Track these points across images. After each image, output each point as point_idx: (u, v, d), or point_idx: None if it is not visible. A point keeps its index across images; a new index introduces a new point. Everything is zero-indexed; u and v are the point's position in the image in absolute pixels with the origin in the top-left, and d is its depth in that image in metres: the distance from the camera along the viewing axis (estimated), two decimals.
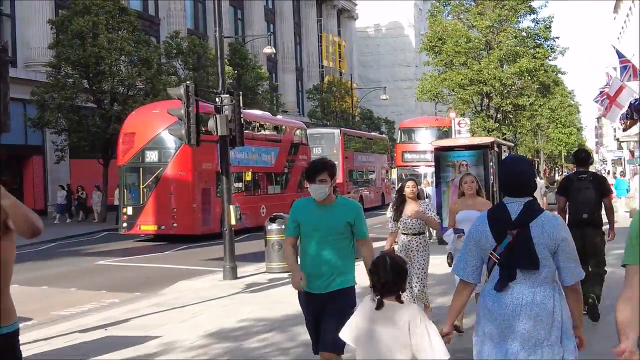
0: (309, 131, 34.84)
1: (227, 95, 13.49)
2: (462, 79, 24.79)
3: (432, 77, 26.77)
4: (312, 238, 5.33)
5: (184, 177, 22.61)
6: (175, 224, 22.58)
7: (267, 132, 29.04)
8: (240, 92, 14.03)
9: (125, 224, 23.16)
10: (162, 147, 22.89)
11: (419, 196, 8.86)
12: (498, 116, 26.75)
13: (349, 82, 60.21)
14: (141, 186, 23.13)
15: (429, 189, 20.44)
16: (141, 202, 22.95)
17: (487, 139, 19.47)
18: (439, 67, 26.53)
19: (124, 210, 23.27)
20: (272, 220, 14.64)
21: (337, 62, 72.02)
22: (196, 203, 22.96)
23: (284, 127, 30.69)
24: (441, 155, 19.20)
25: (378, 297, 3.87)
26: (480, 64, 24.98)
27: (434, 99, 26.21)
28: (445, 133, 27.91)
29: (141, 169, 23.15)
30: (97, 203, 31.47)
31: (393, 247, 8.56)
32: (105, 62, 28.93)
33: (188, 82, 13.20)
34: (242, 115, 13.96)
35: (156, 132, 22.80)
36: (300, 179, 29.70)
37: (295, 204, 5.60)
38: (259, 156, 27.30)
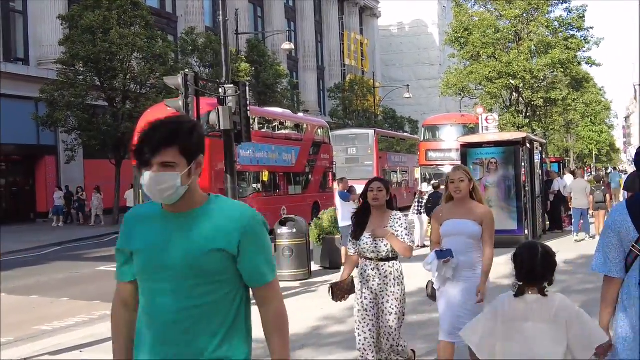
0: (342, 132, 34.17)
1: (231, 86, 12.24)
2: (490, 72, 23.25)
3: (457, 70, 25.25)
4: (154, 286, 2.69)
5: (200, 177, 21.11)
6: None
7: (287, 130, 28.23)
8: (247, 83, 12.75)
9: None
10: None
11: (389, 204, 6.04)
12: (528, 111, 25.20)
13: (371, 80, 58.79)
14: None
15: None
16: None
17: (518, 134, 18.01)
18: (465, 61, 25.01)
19: None
20: (283, 223, 13.36)
21: (359, 60, 70.60)
22: None
23: (305, 126, 29.77)
24: (468, 153, 17.78)
25: (519, 285, 3.61)
26: (509, 55, 23.43)
27: (459, 94, 24.68)
28: (471, 130, 26.31)
29: None
30: (96, 206, 30.16)
31: (352, 278, 6.10)
32: (116, 58, 27.84)
33: (187, 70, 11.87)
34: (248, 109, 12.68)
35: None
36: (323, 179, 29.14)
37: (127, 216, 2.89)
38: (279, 155, 26.52)
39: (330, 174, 30.06)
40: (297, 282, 12.97)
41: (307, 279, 13.21)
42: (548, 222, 21.15)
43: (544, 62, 22.56)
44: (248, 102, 12.68)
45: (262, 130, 25.52)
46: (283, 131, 27.81)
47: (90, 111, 29.31)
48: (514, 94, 25.19)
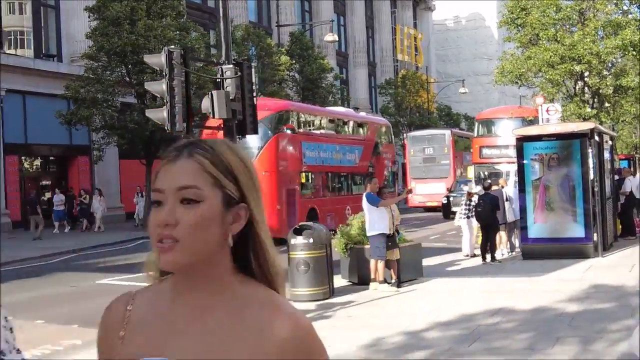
0: (419, 133, 35.01)
1: (230, 66, 10.06)
2: (550, 56, 20.46)
3: (513, 55, 22.51)
4: None
5: (267, 177, 21.12)
6: None
7: (350, 129, 28.19)
8: (252, 64, 10.56)
9: None
10: (246, 146, 21.53)
11: None
12: (595, 101, 22.31)
13: (424, 75, 56.10)
14: None
15: (509, 190, 16.44)
16: None
17: (585, 125, 15.35)
18: (522, 46, 22.24)
19: None
20: (297, 231, 11.12)
21: (412, 55, 67.85)
22: (281, 204, 21.64)
23: (367, 125, 29.55)
24: (524, 147, 15.25)
25: None
26: (573, 37, 20.62)
27: (516, 82, 21.91)
28: (530, 123, 23.70)
29: None
30: (97, 209, 28.02)
31: None
32: (144, 51, 26.01)
33: (172, 47, 9.73)
34: (254, 95, 10.48)
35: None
36: (387, 178, 29.15)
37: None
38: (343, 155, 26.41)
39: (394, 173, 30.91)
40: (314, 302, 10.74)
41: (327, 299, 10.95)
42: (620, 227, 18.44)
43: (613, 44, 19.62)
44: (255, 87, 10.51)
45: (325, 130, 26.00)
46: (347, 130, 27.83)
47: (118, 108, 27.64)
48: (578, 81, 22.33)
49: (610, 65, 21.65)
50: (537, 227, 15.18)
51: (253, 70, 10.45)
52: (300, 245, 10.89)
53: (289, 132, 22.94)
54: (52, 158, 33.61)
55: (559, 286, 11.31)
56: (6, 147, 29.16)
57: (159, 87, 9.43)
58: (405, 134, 37.09)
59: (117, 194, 33.59)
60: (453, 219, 15.89)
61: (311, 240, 10.86)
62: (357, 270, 12.58)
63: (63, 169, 33.48)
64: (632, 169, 26.07)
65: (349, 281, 12.76)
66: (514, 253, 16.40)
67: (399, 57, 65.45)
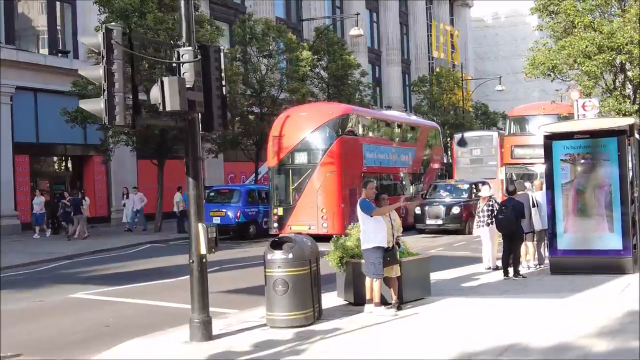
0: (466, 134, 35.95)
1: (189, 49, 8.46)
2: (587, 46, 18.42)
3: (545, 46, 20.48)
4: None
5: (332, 177, 22.96)
6: (325, 224, 22.50)
7: (404, 132, 29.74)
8: (221, 48, 8.93)
9: (275, 224, 23.41)
10: (311, 148, 23.42)
11: None
12: (637, 96, 20.18)
13: (459, 73, 53.93)
14: (291, 187, 23.56)
15: (537, 195, 14.55)
16: (291, 203, 23.33)
17: (624, 120, 13.38)
18: (555, 35, 20.20)
19: (275, 210, 23.59)
20: (276, 245, 9.48)
21: (448, 53, 65.67)
22: (345, 203, 22.76)
23: (419, 128, 31.34)
24: (554, 146, 13.39)
25: None
26: (612, 24, 18.57)
27: (548, 74, 19.89)
28: (565, 120, 21.78)
29: (291, 170, 23.67)
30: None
31: None
32: (152, 45, 24.63)
33: (114, 24, 8.12)
34: (223, 84, 8.87)
35: (304, 134, 23.53)
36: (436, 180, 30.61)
37: None
38: (398, 156, 27.90)
39: (442, 175, 32.91)
40: (293, 329, 9.10)
41: (310, 325, 9.29)
42: None
43: None
44: (224, 75, 8.87)
45: (382, 132, 27.43)
46: (401, 133, 29.31)
47: None
48: (618, 74, 20.21)
49: None
50: (568, 237, 13.29)
51: (223, 54, 8.85)
52: (278, 262, 9.24)
53: (351, 135, 24.48)
54: (65, 158, 32.52)
55: (588, 312, 9.48)
56: (16, 147, 28.14)
57: (95, 72, 7.90)
58: (452, 135, 36.51)
59: None
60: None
61: (290, 256, 9.21)
62: (353, 288, 10.89)
63: (78, 170, 32.37)
64: None
65: (345, 300, 11.09)
66: (542, 266, 14.53)
67: (434, 55, 63.38)
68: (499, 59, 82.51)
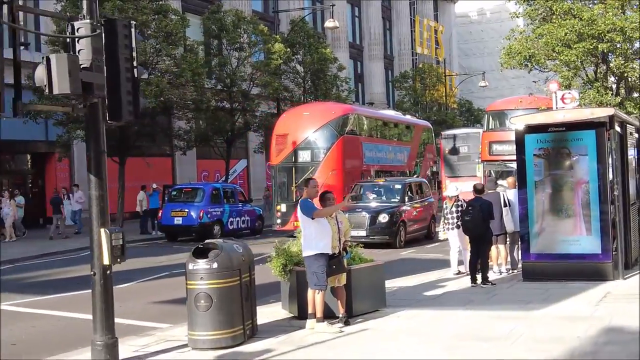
0: (455, 131, 36.08)
1: (87, 22, 7.18)
2: (566, 34, 17.20)
3: (522, 34, 19.26)
4: None
5: (334, 175, 23.31)
6: None
7: (400, 131, 30.57)
8: (133, 22, 7.66)
9: (279, 221, 23.64)
10: (314, 147, 23.74)
11: None
12: (620, 87, 19.00)
13: (441, 68, 52.79)
14: (293, 184, 23.62)
15: (509, 193, 13.34)
16: (294, 200, 23.02)
17: (602, 111, 12.15)
18: (534, 23, 18.97)
19: (278, 207, 23.83)
20: (198, 253, 8.21)
21: (432, 49, 64.46)
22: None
23: (414, 127, 32.25)
24: (527, 140, 12.19)
25: None
26: (592, 10, 17.36)
27: (524, 65, 18.71)
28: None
29: (293, 168, 23.78)
30: (7, 215, 24.16)
31: None
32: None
33: None
34: (135, 65, 7.58)
35: (307, 133, 23.84)
36: (429, 177, 31.68)
37: None
38: (395, 155, 28.74)
39: (434, 172, 33.80)
40: (217, 351, 7.84)
41: (238, 345, 8.02)
42: None
43: None
44: (135, 56, 7.60)
45: (380, 131, 28.05)
46: (397, 132, 30.22)
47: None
48: (600, 63, 19.01)
49: (638, 44, 18.35)
50: (542, 239, 12.09)
51: (133, 31, 7.59)
52: (200, 272, 7.97)
53: (352, 134, 24.94)
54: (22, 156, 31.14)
55: (558, 329, 8.27)
56: None
57: None
58: (440, 133, 35.67)
59: None
60: None
61: (215, 265, 7.94)
62: (297, 299, 9.64)
63: (40, 167, 30.96)
64: None
65: (290, 312, 9.85)
66: (515, 271, 13.32)
67: (418, 51, 62.20)
68: (485, 55, 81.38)
